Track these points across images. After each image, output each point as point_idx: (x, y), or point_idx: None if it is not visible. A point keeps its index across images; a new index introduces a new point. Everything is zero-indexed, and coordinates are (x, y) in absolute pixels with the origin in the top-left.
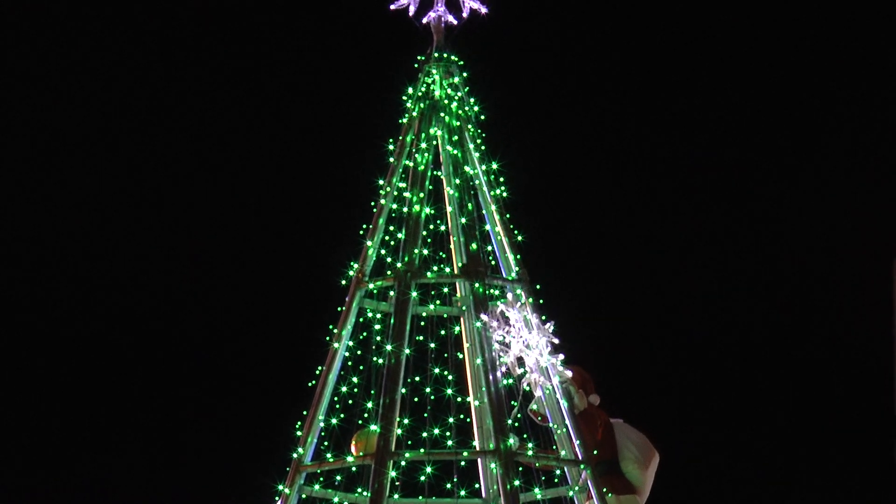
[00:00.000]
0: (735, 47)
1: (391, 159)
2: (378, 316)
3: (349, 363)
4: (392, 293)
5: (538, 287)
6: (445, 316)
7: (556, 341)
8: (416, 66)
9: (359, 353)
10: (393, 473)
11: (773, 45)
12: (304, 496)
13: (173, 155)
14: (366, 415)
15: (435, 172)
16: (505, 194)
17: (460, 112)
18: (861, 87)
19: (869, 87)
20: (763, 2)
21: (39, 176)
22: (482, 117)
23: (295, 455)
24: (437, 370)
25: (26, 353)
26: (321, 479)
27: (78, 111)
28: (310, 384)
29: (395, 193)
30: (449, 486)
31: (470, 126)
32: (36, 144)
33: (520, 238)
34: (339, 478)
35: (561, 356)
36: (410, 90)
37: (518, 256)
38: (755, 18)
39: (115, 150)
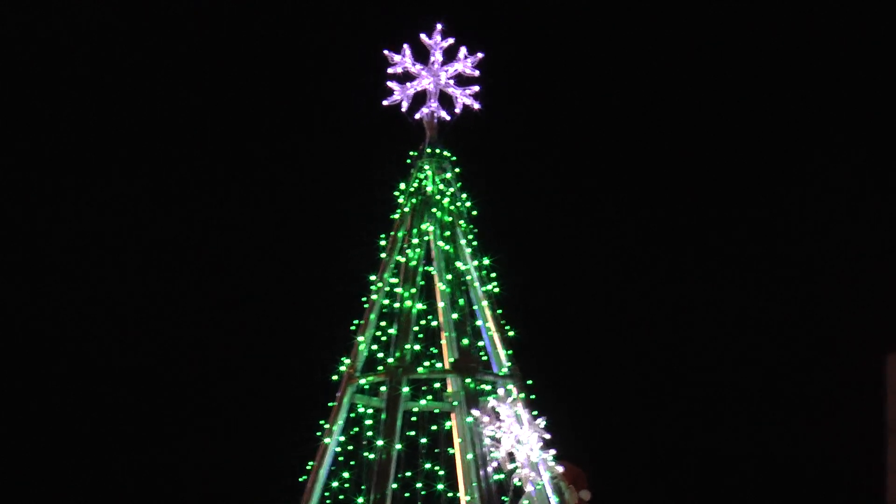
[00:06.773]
0: (716, 149)
1: (383, 255)
2: (369, 411)
3: (340, 458)
4: (383, 388)
5: (529, 382)
6: (437, 411)
7: (547, 437)
8: (408, 161)
9: (350, 448)
10: None
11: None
12: None
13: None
14: None
15: (426, 268)
16: (497, 290)
17: (452, 208)
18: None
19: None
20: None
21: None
22: (474, 213)
23: None
24: (428, 465)
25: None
26: None
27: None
28: (301, 479)
29: (387, 289)
30: None
31: (462, 221)
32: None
33: (511, 333)
34: None
35: (552, 451)
36: (403, 185)
37: (509, 352)
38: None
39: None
